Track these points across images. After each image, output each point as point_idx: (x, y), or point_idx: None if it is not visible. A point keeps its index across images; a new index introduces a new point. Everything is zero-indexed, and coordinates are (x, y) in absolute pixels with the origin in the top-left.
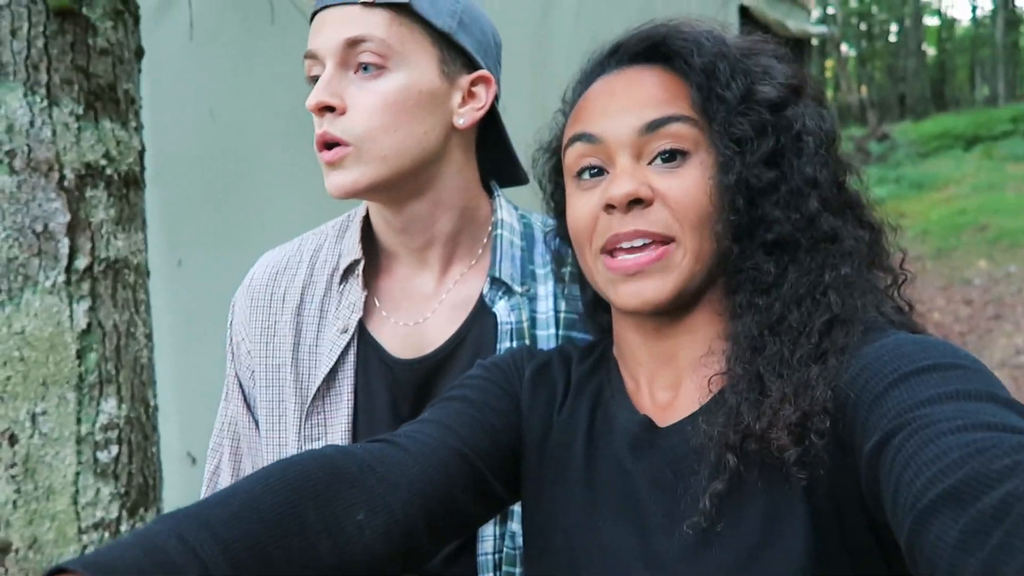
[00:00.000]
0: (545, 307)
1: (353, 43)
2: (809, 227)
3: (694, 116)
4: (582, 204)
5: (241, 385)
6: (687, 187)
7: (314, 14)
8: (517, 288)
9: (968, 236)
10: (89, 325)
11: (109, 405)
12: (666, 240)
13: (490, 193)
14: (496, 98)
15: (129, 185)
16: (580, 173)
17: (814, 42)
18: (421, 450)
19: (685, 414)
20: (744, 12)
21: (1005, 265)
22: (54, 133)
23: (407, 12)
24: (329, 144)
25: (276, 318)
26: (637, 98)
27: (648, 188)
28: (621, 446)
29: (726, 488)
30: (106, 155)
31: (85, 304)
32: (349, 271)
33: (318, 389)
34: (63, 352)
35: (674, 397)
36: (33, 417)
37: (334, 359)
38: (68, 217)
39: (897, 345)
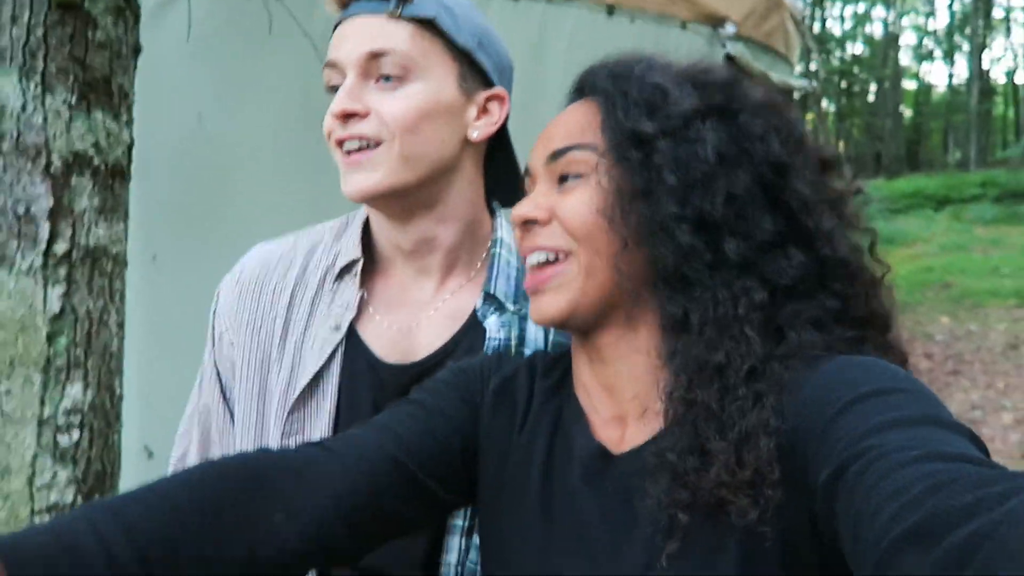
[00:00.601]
0: (534, 328)
1: (376, 55)
2: (690, 259)
3: (597, 144)
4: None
5: (219, 375)
6: (574, 204)
7: (337, 24)
8: (510, 306)
9: (932, 293)
10: (62, 309)
11: (74, 390)
12: (559, 253)
13: (492, 212)
14: (507, 118)
15: (115, 176)
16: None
17: (796, 95)
18: (351, 454)
19: (637, 443)
20: (730, 60)
21: (966, 323)
22: (45, 120)
23: (431, 27)
24: (352, 147)
25: (264, 312)
26: (556, 130)
27: (545, 210)
28: (576, 474)
29: (679, 545)
30: (95, 145)
31: (60, 289)
32: (346, 270)
33: (304, 388)
34: (33, 334)
35: (622, 432)
36: None
37: (325, 356)
38: (51, 202)
39: (839, 371)
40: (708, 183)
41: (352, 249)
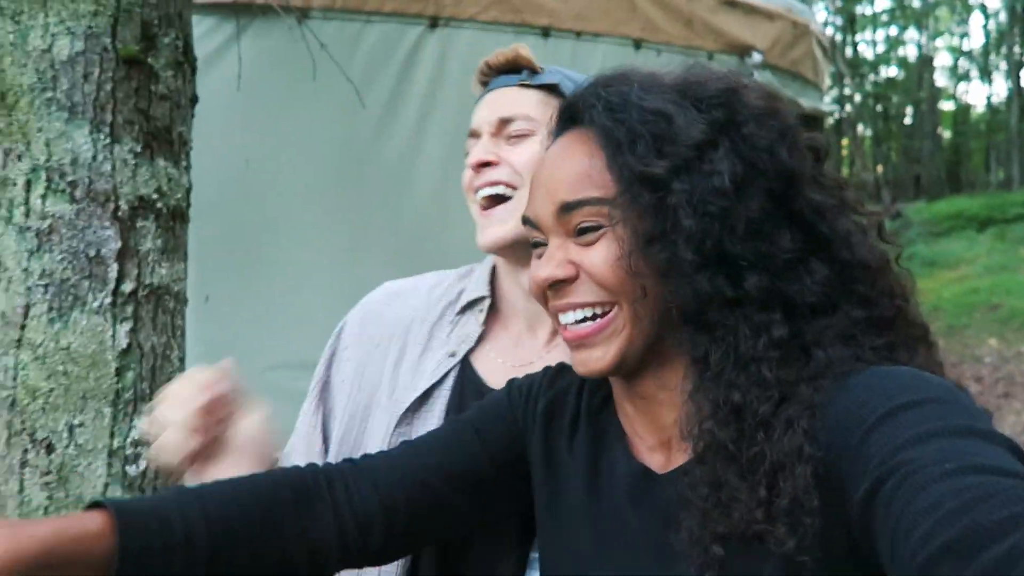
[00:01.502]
0: None
1: (506, 121)
2: (711, 301)
3: (608, 193)
4: (534, 274)
5: (325, 390)
6: (601, 257)
7: (480, 97)
8: None
9: (980, 315)
10: (129, 345)
11: (141, 422)
12: (600, 306)
13: None
14: None
15: (176, 219)
16: (533, 245)
17: (829, 120)
18: (384, 468)
19: (680, 463)
20: None
21: (1016, 345)
22: (113, 167)
23: (555, 92)
24: (490, 196)
25: (383, 333)
26: (560, 176)
27: (570, 267)
28: (621, 493)
29: (718, 574)
30: (158, 190)
31: (127, 325)
32: (470, 306)
33: (412, 403)
34: (103, 369)
35: (666, 454)
36: (71, 428)
37: (437, 376)
38: (119, 244)
39: (869, 384)
40: (726, 217)
41: (480, 287)
